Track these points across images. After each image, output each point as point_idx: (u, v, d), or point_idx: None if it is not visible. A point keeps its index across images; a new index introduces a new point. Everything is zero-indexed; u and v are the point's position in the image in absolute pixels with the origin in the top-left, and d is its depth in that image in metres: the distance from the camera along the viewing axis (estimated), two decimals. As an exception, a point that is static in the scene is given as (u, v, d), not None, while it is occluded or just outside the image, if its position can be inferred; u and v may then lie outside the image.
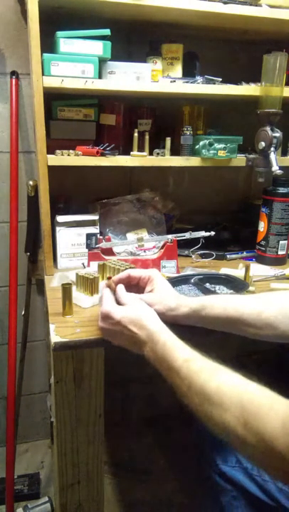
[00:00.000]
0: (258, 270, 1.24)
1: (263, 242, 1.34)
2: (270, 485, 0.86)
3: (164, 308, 0.82)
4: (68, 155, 1.14)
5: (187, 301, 0.83)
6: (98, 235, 1.24)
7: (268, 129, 1.21)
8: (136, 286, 0.89)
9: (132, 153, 1.21)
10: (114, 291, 0.84)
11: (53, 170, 1.12)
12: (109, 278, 0.91)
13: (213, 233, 1.27)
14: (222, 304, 0.82)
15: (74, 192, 1.39)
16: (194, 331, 0.85)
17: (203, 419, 0.58)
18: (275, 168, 1.21)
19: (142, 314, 0.75)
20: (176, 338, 0.69)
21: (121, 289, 0.83)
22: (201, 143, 1.23)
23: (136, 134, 1.22)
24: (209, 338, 0.84)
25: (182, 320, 0.83)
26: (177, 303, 0.83)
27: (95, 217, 1.27)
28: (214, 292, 1.05)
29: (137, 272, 0.88)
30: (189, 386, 0.61)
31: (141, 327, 0.72)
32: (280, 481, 0.52)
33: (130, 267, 1.04)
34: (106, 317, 0.77)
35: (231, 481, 0.93)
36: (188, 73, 1.26)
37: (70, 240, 1.24)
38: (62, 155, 1.14)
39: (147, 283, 0.88)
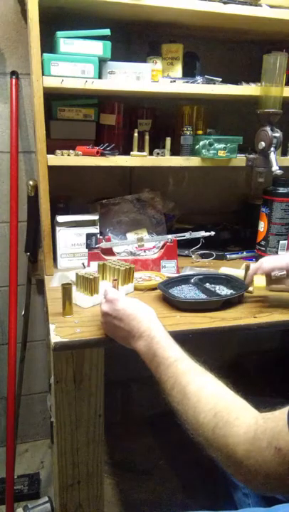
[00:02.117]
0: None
1: (263, 242, 1.34)
2: None
3: None
4: (68, 155, 1.14)
5: None
6: (98, 235, 1.24)
7: (268, 129, 1.21)
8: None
9: (132, 153, 1.21)
10: None
11: (53, 170, 1.12)
12: (114, 280, 0.95)
13: (213, 233, 1.27)
14: None
15: (74, 192, 1.39)
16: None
17: (180, 417, 0.62)
18: (275, 168, 1.21)
19: (142, 310, 0.78)
20: (170, 338, 0.72)
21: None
22: (201, 143, 1.23)
23: (136, 134, 1.22)
24: (211, 340, 0.85)
25: None
26: None
27: (95, 217, 1.27)
28: (214, 292, 1.05)
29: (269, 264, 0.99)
30: (174, 384, 0.64)
31: (139, 322, 0.75)
32: (239, 481, 0.56)
33: (130, 267, 1.05)
34: (111, 302, 0.80)
35: None
36: (188, 73, 1.26)
37: (70, 239, 1.24)
38: (62, 155, 1.14)
39: None
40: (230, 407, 0.57)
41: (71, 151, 1.15)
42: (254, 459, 0.51)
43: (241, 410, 0.56)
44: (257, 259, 1.37)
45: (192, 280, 1.12)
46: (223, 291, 1.08)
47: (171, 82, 1.19)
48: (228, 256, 1.37)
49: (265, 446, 0.50)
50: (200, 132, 1.35)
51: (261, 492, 0.84)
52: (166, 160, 1.23)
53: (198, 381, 0.63)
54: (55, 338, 0.83)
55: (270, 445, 0.49)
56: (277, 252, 1.32)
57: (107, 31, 1.09)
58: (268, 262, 1.00)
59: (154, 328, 0.73)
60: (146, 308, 0.79)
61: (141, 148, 1.22)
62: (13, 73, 1.29)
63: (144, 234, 1.37)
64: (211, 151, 1.24)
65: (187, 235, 1.26)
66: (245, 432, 0.53)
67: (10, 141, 1.31)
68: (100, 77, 1.11)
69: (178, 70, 1.25)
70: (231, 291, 1.07)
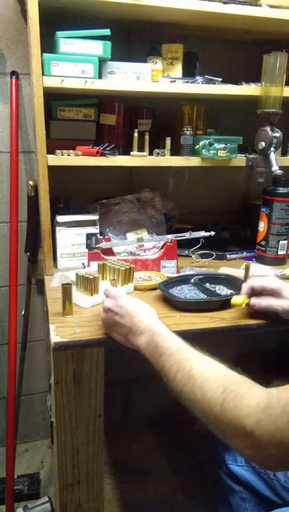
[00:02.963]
0: (258, 270, 1.24)
1: (263, 242, 1.34)
2: (275, 482, 0.89)
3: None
4: (68, 155, 1.14)
5: None
6: (98, 235, 1.24)
7: (268, 129, 1.21)
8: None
9: (132, 153, 1.21)
10: None
11: (53, 170, 1.12)
12: (113, 280, 0.95)
13: (213, 233, 1.27)
14: None
15: (74, 192, 1.39)
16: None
17: (186, 398, 0.62)
18: (275, 168, 1.21)
19: (143, 308, 0.80)
20: (170, 331, 0.74)
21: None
22: (201, 143, 1.23)
23: (136, 134, 1.21)
24: (211, 340, 0.85)
25: None
26: None
27: (95, 217, 1.27)
28: (214, 292, 1.05)
29: (259, 283, 0.92)
30: (178, 370, 0.65)
31: (140, 319, 0.77)
32: (246, 457, 0.56)
33: (130, 267, 1.05)
34: (114, 298, 0.82)
35: (240, 481, 0.94)
36: (188, 73, 1.26)
37: (70, 240, 1.24)
38: (62, 155, 1.14)
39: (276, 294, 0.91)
40: (240, 383, 0.58)
41: (71, 151, 1.15)
42: (266, 428, 0.51)
43: (251, 386, 0.57)
44: (257, 259, 1.37)
45: (192, 280, 1.12)
46: (223, 291, 1.08)
47: (171, 82, 1.19)
48: (228, 256, 1.37)
49: (278, 414, 0.50)
50: (200, 132, 1.35)
51: (270, 468, 0.83)
52: (166, 160, 1.23)
53: (203, 364, 0.64)
54: (55, 338, 0.83)
55: (283, 413, 0.49)
56: (277, 252, 1.32)
57: (107, 31, 1.09)
58: (257, 282, 0.94)
59: (155, 324, 0.75)
60: (148, 307, 0.81)
61: (141, 148, 1.22)
62: (13, 73, 1.29)
63: (144, 234, 1.37)
64: (211, 151, 1.24)
65: (187, 235, 1.26)
66: (257, 403, 0.53)
67: (10, 141, 1.31)
68: (100, 77, 1.11)
69: (178, 70, 1.25)
70: (231, 291, 1.07)
